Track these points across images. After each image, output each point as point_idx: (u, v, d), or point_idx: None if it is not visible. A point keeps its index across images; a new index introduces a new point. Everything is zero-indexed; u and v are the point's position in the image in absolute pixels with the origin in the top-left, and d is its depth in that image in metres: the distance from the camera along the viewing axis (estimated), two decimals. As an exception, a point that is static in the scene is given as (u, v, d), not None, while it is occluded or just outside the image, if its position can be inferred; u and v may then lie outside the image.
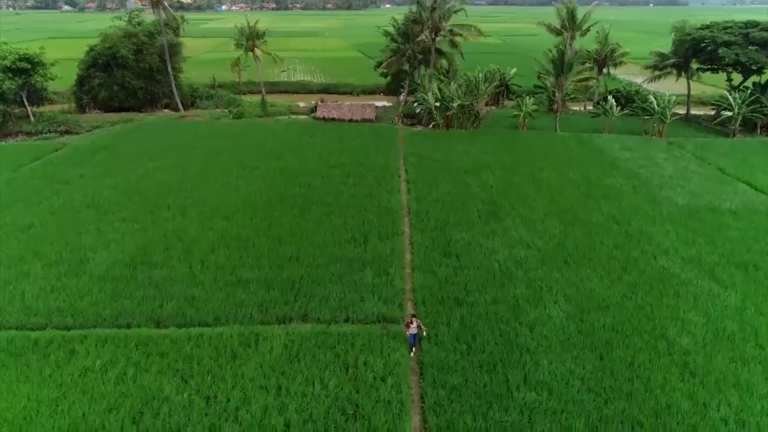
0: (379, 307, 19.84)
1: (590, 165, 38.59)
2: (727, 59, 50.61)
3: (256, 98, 63.31)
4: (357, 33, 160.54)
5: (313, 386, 15.73)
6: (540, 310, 19.85)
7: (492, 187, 33.40)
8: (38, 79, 49.87)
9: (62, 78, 54.28)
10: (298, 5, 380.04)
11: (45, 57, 50.40)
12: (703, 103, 62.26)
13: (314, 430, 14.15)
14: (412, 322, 17.35)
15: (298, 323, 19.21)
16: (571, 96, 60.84)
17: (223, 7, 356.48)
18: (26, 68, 48.21)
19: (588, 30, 57.52)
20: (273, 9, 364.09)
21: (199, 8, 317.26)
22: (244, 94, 69.30)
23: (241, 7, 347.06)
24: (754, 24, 52.67)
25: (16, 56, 47.21)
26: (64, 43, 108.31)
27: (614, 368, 16.64)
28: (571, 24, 55.72)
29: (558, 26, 57.25)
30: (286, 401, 15.17)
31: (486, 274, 22.45)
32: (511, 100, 61.86)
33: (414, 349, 17.47)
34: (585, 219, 28.40)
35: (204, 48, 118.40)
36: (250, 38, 56.94)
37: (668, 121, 47.36)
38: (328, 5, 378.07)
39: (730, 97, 48.40)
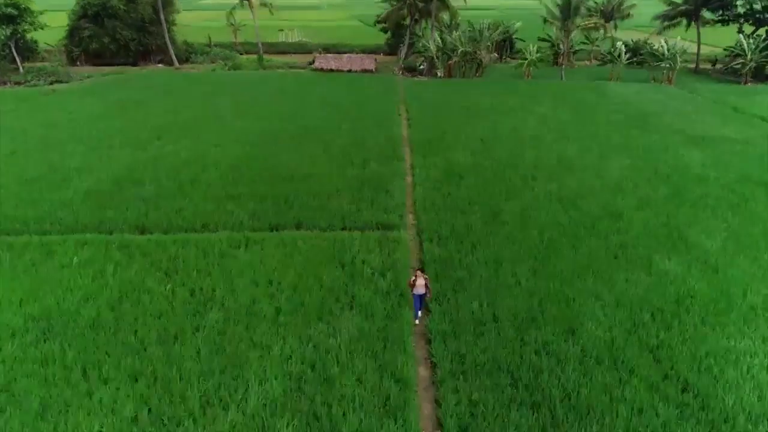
0: (378, 216, 18.66)
1: (599, 105, 37.17)
2: (739, 7, 48.82)
3: (254, 57, 61.60)
4: (357, 6, 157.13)
5: (306, 280, 14.59)
6: (547, 214, 18.70)
7: (496, 122, 32.04)
8: (26, 27, 48.12)
9: (53, 29, 52.59)
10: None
11: (33, 4, 48.57)
12: (711, 61, 60.26)
13: (305, 314, 13.02)
14: (417, 278, 12.98)
15: (292, 230, 18.03)
16: (578, 49, 59.14)
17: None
18: (13, 15, 46.44)
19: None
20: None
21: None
22: (241, 54, 67.45)
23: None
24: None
25: (2, 1, 45.42)
26: None
27: (629, 263, 15.49)
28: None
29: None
30: (277, 293, 14.03)
31: (490, 187, 21.24)
32: (514, 58, 59.84)
33: (420, 314, 13.28)
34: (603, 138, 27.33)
35: (200, 18, 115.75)
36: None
37: (678, 67, 45.64)
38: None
39: (744, 41, 46.56)
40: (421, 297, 13.13)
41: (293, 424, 9.72)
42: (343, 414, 9.95)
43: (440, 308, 13.28)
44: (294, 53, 72.18)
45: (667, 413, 9.91)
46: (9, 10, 45.88)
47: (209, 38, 71.09)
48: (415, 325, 13.03)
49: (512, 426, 9.67)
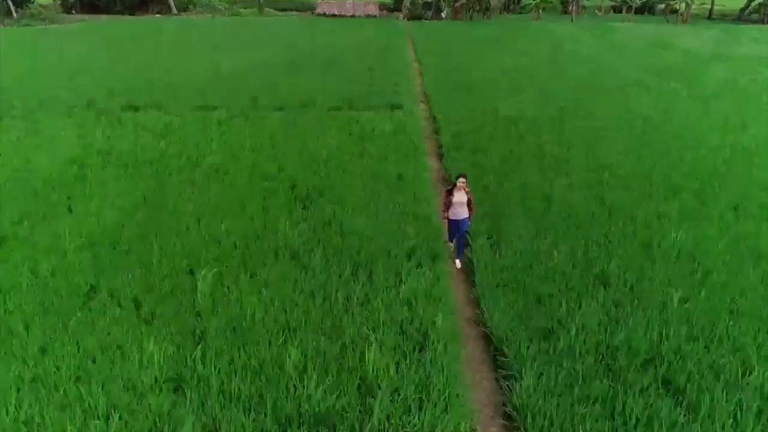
0: (388, 98, 17.51)
1: (607, 34, 35.87)
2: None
3: (254, 9, 60.22)
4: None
5: (316, 140, 13.44)
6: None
7: (501, 43, 30.79)
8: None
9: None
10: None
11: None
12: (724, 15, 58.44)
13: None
14: (456, 189, 7.74)
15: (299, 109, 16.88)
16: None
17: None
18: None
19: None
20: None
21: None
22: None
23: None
24: None
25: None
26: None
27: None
28: None
29: None
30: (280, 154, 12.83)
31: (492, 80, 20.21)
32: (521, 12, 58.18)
33: (460, 256, 8.08)
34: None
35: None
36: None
37: (693, 5, 44.15)
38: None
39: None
40: (461, 225, 7.87)
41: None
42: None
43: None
44: (295, 9, 70.77)
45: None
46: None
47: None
48: (456, 268, 7.95)
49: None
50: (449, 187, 8.06)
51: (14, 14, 48.66)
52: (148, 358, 5.34)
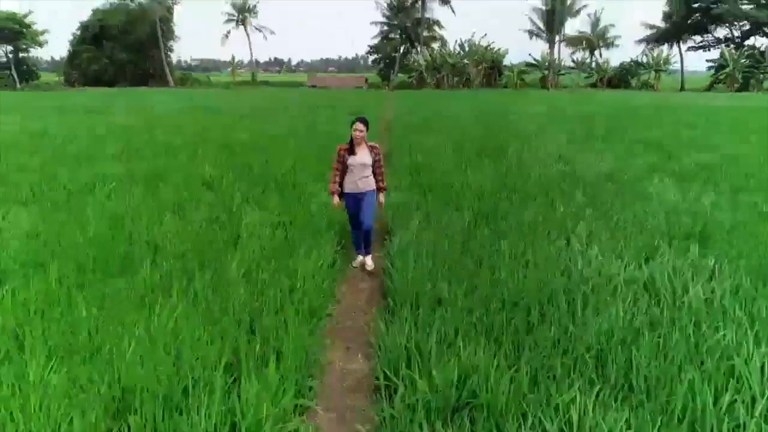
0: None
1: (580, 101, 37.47)
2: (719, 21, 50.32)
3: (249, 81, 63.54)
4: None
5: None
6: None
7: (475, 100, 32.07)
8: (26, 41, 49.62)
9: (51, 45, 54.24)
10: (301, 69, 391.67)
11: (32, 22, 50.39)
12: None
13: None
14: (354, 142, 5.28)
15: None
16: (565, 72, 60.62)
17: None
18: (15, 29, 47.96)
19: (579, 12, 57.80)
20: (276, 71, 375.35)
21: (206, 69, 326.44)
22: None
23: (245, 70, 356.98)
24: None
25: (4, 15, 47.09)
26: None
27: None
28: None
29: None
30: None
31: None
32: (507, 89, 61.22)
33: (368, 250, 5.67)
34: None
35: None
36: (242, 11, 57.17)
37: (664, 71, 46.52)
38: (330, 68, 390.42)
39: (725, 51, 47.69)
40: (364, 205, 5.39)
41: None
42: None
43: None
44: (289, 86, 74.73)
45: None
46: (11, 24, 47.38)
47: (208, 78, 73.87)
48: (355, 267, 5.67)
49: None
50: (343, 146, 5.32)
51: (18, 85, 51.18)
52: None
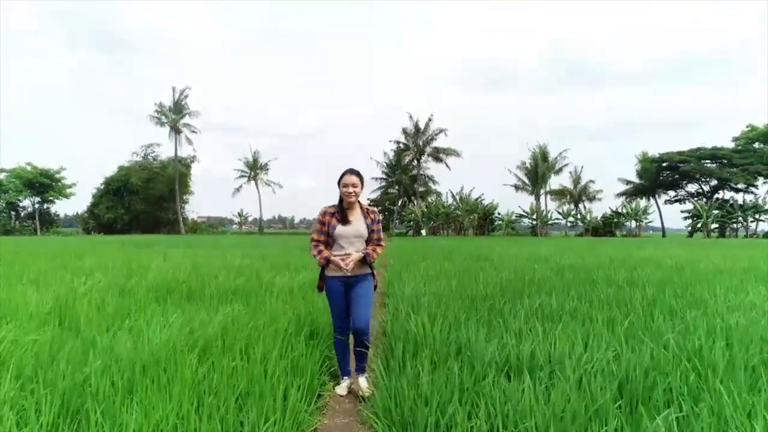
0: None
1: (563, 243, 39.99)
2: (687, 178, 55.36)
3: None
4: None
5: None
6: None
7: (471, 245, 34.50)
8: (53, 194, 53.85)
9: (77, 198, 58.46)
10: (303, 226, 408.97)
11: (63, 177, 55.21)
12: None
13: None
14: (347, 202, 3.77)
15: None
16: (553, 222, 64.67)
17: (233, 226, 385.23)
18: (45, 183, 52.49)
19: (561, 170, 63.73)
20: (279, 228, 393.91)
21: (211, 226, 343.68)
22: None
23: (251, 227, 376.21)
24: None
25: (38, 172, 51.87)
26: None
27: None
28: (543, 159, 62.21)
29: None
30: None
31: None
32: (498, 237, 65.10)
33: (364, 367, 3.94)
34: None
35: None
36: (253, 168, 62.61)
37: (643, 221, 49.95)
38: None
39: (697, 204, 51.74)
40: (357, 292, 3.79)
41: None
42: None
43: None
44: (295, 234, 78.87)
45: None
46: (43, 179, 52.06)
47: (217, 228, 78.54)
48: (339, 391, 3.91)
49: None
50: (328, 209, 3.82)
51: (38, 233, 54.40)
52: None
